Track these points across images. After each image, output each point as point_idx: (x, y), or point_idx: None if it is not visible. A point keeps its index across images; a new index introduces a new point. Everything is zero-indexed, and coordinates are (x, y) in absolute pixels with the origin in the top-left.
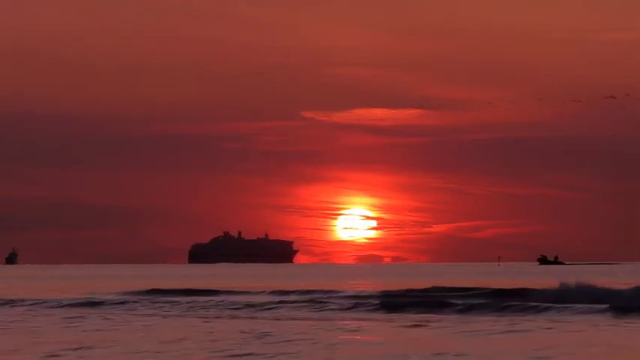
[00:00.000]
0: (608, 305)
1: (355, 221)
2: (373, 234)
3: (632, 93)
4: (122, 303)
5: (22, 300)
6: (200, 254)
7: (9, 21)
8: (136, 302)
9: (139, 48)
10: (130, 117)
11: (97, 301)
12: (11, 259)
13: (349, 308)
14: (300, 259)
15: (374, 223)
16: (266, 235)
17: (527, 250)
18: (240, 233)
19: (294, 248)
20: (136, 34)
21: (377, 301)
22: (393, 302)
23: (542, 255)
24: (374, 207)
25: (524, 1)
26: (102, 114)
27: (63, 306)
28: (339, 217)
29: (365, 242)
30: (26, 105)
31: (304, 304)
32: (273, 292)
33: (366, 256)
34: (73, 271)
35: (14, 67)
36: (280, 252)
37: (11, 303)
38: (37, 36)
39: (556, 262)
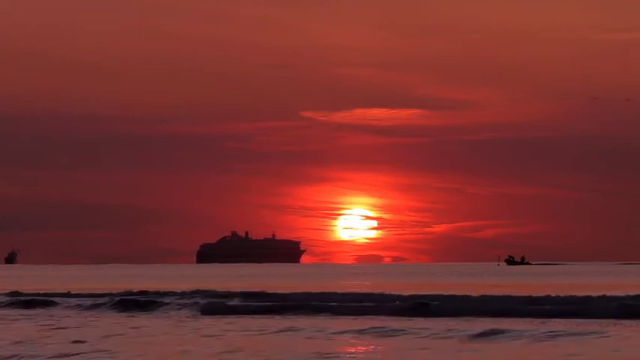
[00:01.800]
0: None
1: (355, 221)
2: (374, 234)
3: (633, 93)
4: None
5: None
6: (208, 254)
7: (9, 21)
8: None
9: (139, 48)
10: (130, 117)
11: None
12: (11, 259)
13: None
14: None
15: (374, 223)
16: (273, 235)
17: (527, 250)
18: (247, 233)
19: (302, 248)
20: (135, 34)
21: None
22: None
23: (509, 256)
24: (374, 207)
25: (524, 2)
26: (102, 114)
27: None
28: (340, 217)
29: (365, 242)
30: (26, 105)
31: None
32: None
33: (367, 256)
34: (49, 271)
35: (15, 68)
36: (288, 252)
37: None
38: (38, 36)
39: (523, 262)
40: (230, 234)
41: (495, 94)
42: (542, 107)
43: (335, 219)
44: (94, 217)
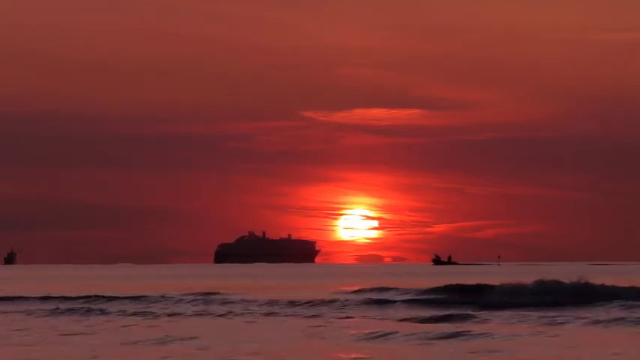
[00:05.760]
0: None
1: (356, 221)
2: (374, 234)
3: (633, 93)
4: None
5: None
6: (225, 254)
7: (9, 21)
8: None
9: (139, 48)
10: (130, 117)
11: None
12: (10, 259)
13: None
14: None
15: (375, 223)
16: (289, 235)
17: (527, 250)
18: (264, 233)
19: (317, 248)
20: (135, 34)
21: None
22: None
23: (435, 255)
24: (375, 207)
25: (524, 2)
26: (103, 114)
27: None
28: (340, 217)
29: (366, 242)
30: (27, 105)
31: None
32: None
33: (367, 256)
34: (36, 271)
35: (15, 68)
36: (303, 252)
37: None
38: (38, 36)
39: (449, 262)
40: (247, 234)
41: (495, 94)
42: (542, 107)
43: (336, 219)
44: (94, 217)
